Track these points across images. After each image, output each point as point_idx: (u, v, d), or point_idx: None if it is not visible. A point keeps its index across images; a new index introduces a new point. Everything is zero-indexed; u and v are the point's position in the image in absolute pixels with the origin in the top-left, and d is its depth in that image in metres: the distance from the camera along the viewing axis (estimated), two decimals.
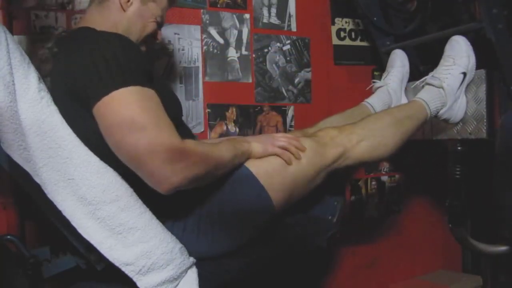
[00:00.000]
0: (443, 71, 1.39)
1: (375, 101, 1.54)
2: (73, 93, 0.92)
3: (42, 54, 1.08)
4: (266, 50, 1.73)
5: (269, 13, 1.73)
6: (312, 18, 1.81)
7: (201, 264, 1.01)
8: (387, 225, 1.98)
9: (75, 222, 0.93)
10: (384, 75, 1.65)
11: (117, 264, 0.93)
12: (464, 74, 1.39)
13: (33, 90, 0.91)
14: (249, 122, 1.69)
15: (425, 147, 1.78)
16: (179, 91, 1.58)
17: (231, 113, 1.66)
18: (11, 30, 1.30)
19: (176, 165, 0.85)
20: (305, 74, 1.80)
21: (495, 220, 1.47)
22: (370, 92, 1.62)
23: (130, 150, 0.85)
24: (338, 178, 1.24)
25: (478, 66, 1.41)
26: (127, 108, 0.85)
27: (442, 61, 1.42)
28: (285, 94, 1.76)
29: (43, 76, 0.99)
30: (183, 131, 1.12)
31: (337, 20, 1.86)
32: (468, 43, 1.39)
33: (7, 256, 1.05)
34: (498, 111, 1.41)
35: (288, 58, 1.77)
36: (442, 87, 1.36)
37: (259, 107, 1.71)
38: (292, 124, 1.76)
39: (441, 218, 1.94)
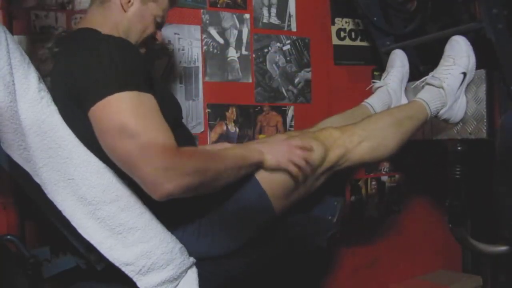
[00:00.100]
0: (443, 71, 1.39)
1: (375, 101, 1.54)
2: (72, 95, 0.92)
3: (42, 54, 1.08)
4: (266, 50, 1.73)
5: (269, 13, 1.73)
6: (312, 18, 1.81)
7: (201, 264, 1.01)
8: (387, 225, 1.98)
9: (75, 222, 0.93)
10: (384, 75, 1.65)
11: (117, 264, 0.93)
12: (464, 74, 1.39)
13: (33, 90, 0.91)
14: (249, 122, 1.69)
15: (425, 147, 1.78)
16: (179, 91, 1.58)
17: (231, 113, 1.66)
18: (11, 30, 1.30)
19: (169, 172, 0.83)
20: (305, 74, 1.80)
21: (495, 220, 1.46)
22: (370, 92, 1.62)
23: (122, 156, 0.85)
24: (338, 178, 1.24)
25: (478, 66, 1.41)
26: (120, 114, 0.85)
27: (442, 61, 1.42)
28: (285, 94, 1.76)
29: (43, 76, 0.99)
30: (183, 133, 1.12)
31: (337, 20, 1.86)
32: (468, 43, 1.39)
33: (7, 256, 1.05)
34: (498, 111, 1.41)
35: (288, 58, 1.77)
36: (442, 87, 1.36)
37: (259, 107, 1.71)
38: (292, 124, 1.76)
39: (441, 218, 1.93)
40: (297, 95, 1.78)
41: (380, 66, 1.82)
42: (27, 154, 0.91)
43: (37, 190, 0.93)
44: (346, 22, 1.88)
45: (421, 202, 2.05)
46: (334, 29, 1.86)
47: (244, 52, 1.69)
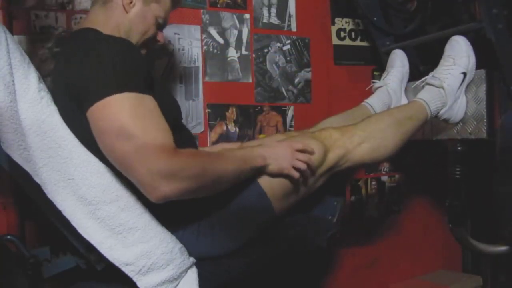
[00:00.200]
0: (443, 71, 1.39)
1: (374, 102, 1.54)
2: (71, 94, 0.92)
3: (42, 54, 1.08)
4: (266, 50, 1.73)
5: (269, 13, 1.73)
6: (312, 18, 1.81)
7: (201, 264, 1.02)
8: (387, 225, 1.98)
9: (75, 222, 0.93)
10: (384, 75, 1.65)
11: (117, 264, 0.93)
12: (464, 74, 1.39)
13: (33, 90, 0.91)
14: (249, 122, 1.69)
15: (425, 147, 1.78)
16: (179, 91, 1.58)
17: (231, 113, 1.66)
18: (11, 30, 1.30)
19: (166, 175, 0.82)
20: (305, 74, 1.80)
21: (495, 220, 1.46)
22: (370, 92, 1.62)
23: (119, 157, 0.85)
24: (338, 178, 1.24)
25: (478, 66, 1.41)
26: (118, 115, 0.84)
27: (442, 61, 1.42)
28: (285, 94, 1.76)
29: (43, 76, 0.99)
30: (183, 134, 1.12)
31: (337, 20, 1.86)
32: (468, 43, 1.39)
33: (7, 256, 1.05)
34: (498, 111, 1.41)
35: (288, 58, 1.77)
36: (442, 87, 1.36)
37: (259, 107, 1.71)
38: (292, 124, 1.76)
39: (441, 218, 1.93)
40: (297, 95, 1.78)
41: (380, 66, 1.82)
42: (27, 154, 0.91)
43: (37, 190, 0.93)
44: (346, 22, 1.88)
45: (421, 202, 2.05)
46: (334, 29, 1.86)
47: (244, 52, 1.69)
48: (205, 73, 1.63)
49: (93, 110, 0.86)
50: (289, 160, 1.03)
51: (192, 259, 1.00)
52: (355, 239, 1.89)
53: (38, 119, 0.90)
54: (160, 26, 1.16)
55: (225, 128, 1.65)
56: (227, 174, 0.94)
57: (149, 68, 1.01)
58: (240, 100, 1.68)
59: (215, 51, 1.64)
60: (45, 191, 0.93)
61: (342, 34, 1.87)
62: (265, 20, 1.73)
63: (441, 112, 1.38)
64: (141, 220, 0.95)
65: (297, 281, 1.68)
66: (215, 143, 1.61)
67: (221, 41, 1.65)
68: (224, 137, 1.63)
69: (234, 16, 1.67)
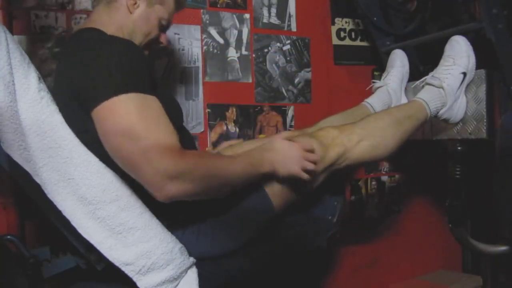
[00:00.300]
0: (443, 71, 1.39)
1: (375, 101, 1.54)
2: (74, 94, 0.92)
3: (42, 54, 1.08)
4: (266, 50, 1.73)
5: (269, 13, 1.73)
6: (312, 18, 1.81)
7: (201, 264, 1.01)
8: (387, 225, 1.98)
9: (75, 222, 0.93)
10: (384, 75, 1.65)
11: (117, 264, 0.93)
12: (464, 74, 1.39)
13: (33, 90, 0.91)
14: (249, 122, 1.69)
15: (425, 147, 1.78)
16: (179, 91, 1.58)
17: (231, 113, 1.66)
18: (11, 30, 1.30)
19: (173, 175, 0.83)
20: (305, 74, 1.80)
21: (495, 220, 1.46)
22: (370, 92, 1.62)
23: (126, 157, 0.86)
24: (338, 178, 1.24)
25: (478, 66, 1.41)
26: (125, 116, 0.85)
27: (442, 61, 1.42)
28: (285, 94, 1.76)
29: (44, 76, 0.99)
30: (184, 136, 1.12)
31: (337, 20, 1.86)
32: (468, 43, 1.39)
33: (7, 256, 1.05)
34: (498, 111, 1.41)
35: (288, 58, 1.77)
36: (442, 87, 1.36)
37: (259, 107, 1.71)
38: (292, 124, 1.76)
39: (441, 218, 1.93)
40: (297, 95, 1.78)
41: (380, 66, 1.82)
42: (27, 154, 0.91)
43: (37, 190, 0.93)
44: (346, 22, 1.88)
45: (421, 202, 2.05)
46: (334, 29, 1.86)
47: (244, 52, 1.69)
48: (205, 73, 1.63)
49: (98, 110, 0.87)
50: (297, 162, 1.02)
51: (192, 259, 1.00)
52: (355, 239, 1.89)
53: (38, 119, 0.90)
54: (163, 28, 1.17)
55: (225, 128, 1.65)
56: (234, 177, 0.94)
57: (152, 70, 1.01)
58: (240, 100, 1.68)
59: (215, 51, 1.64)
60: (45, 191, 0.93)
61: (342, 34, 1.87)
62: (265, 20, 1.73)
63: (441, 112, 1.38)
64: (141, 220, 0.95)
65: (297, 281, 1.68)
66: (215, 143, 1.61)
67: (221, 41, 1.65)
68: (224, 137, 1.63)
69: (234, 16, 1.67)
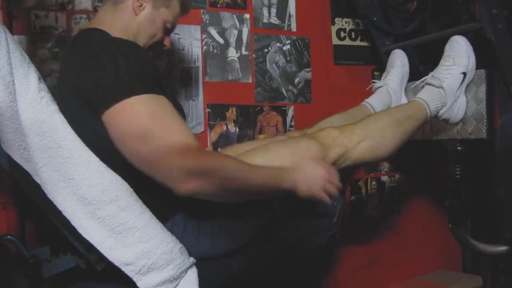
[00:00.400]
0: (443, 71, 1.39)
1: (375, 101, 1.54)
2: (82, 97, 0.93)
3: (42, 54, 1.08)
4: (266, 50, 1.73)
5: (269, 13, 1.73)
6: (312, 18, 1.81)
7: (201, 264, 1.02)
8: (387, 225, 1.98)
9: (75, 222, 0.93)
10: (384, 75, 1.65)
11: (117, 264, 0.93)
12: (464, 74, 1.39)
13: (33, 90, 0.91)
14: (249, 122, 1.69)
15: (425, 147, 1.78)
16: (179, 91, 1.58)
17: (231, 113, 1.66)
18: (11, 30, 1.30)
19: (192, 172, 0.84)
20: (305, 74, 1.80)
21: (495, 220, 1.46)
22: (370, 92, 1.62)
23: (144, 159, 0.86)
24: (338, 178, 1.24)
25: (478, 66, 1.41)
26: (139, 117, 0.86)
27: (442, 61, 1.42)
28: (285, 94, 1.76)
29: (44, 76, 0.99)
30: None
31: (337, 20, 1.86)
32: (468, 43, 1.39)
33: (7, 256, 1.04)
34: (498, 111, 1.41)
35: (288, 58, 1.77)
36: (442, 87, 1.36)
37: (259, 107, 1.71)
38: (292, 124, 1.76)
39: (441, 218, 1.93)
40: (297, 95, 1.78)
41: (380, 66, 1.82)
42: (27, 154, 0.91)
43: (37, 190, 0.93)
44: (346, 22, 1.88)
45: (421, 202, 2.05)
46: (334, 29, 1.86)
47: (244, 52, 1.69)
48: (205, 73, 1.63)
49: (110, 113, 0.87)
50: (319, 184, 1.00)
51: (192, 259, 1.00)
52: (355, 239, 1.89)
53: (38, 119, 0.90)
54: (167, 31, 1.17)
55: (225, 128, 1.65)
56: (253, 184, 0.93)
57: (157, 71, 1.02)
58: (240, 100, 1.68)
59: (215, 51, 1.64)
60: (45, 191, 0.93)
61: (342, 34, 1.87)
62: (265, 20, 1.73)
63: (441, 112, 1.38)
64: (141, 220, 0.94)
65: (297, 281, 1.68)
66: (215, 143, 1.61)
67: (221, 41, 1.65)
68: (224, 137, 1.63)
69: (234, 16, 1.67)
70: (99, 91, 0.89)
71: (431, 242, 2.06)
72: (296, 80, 1.78)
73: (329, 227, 1.21)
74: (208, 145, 1.61)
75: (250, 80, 1.70)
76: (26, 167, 0.93)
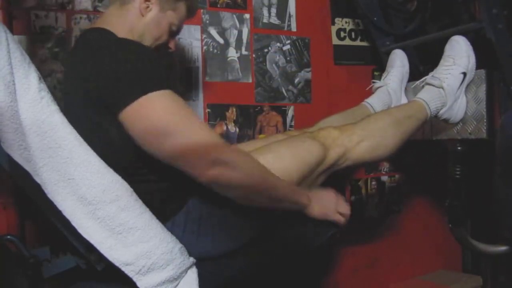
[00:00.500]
0: (443, 71, 1.39)
1: (375, 101, 1.54)
2: (94, 97, 0.93)
3: (42, 54, 1.09)
4: (266, 50, 1.73)
5: (269, 13, 1.73)
6: (312, 18, 1.81)
7: (201, 264, 1.01)
8: (387, 225, 1.98)
9: (75, 222, 0.93)
10: (384, 75, 1.65)
11: (117, 264, 0.93)
12: (464, 74, 1.39)
13: (33, 90, 0.91)
14: (249, 122, 1.69)
15: (425, 147, 1.78)
16: (179, 91, 1.58)
17: (231, 113, 1.66)
18: (11, 30, 1.30)
19: (219, 161, 0.89)
20: (305, 74, 1.80)
21: (495, 220, 1.46)
22: (370, 92, 1.62)
23: (170, 153, 0.89)
24: (338, 178, 1.24)
25: (478, 66, 1.41)
26: (161, 111, 0.88)
27: (442, 61, 1.42)
28: (285, 94, 1.76)
29: (44, 76, 0.99)
30: None
31: (337, 20, 1.86)
32: (468, 43, 1.39)
33: (7, 256, 1.04)
34: (498, 111, 1.41)
35: (288, 58, 1.77)
36: (442, 87, 1.36)
37: (259, 107, 1.71)
38: (292, 124, 1.76)
39: (441, 218, 1.93)
40: (297, 95, 1.78)
41: (380, 66, 1.82)
42: (28, 154, 0.91)
43: (37, 190, 0.93)
44: (346, 22, 1.88)
45: (421, 202, 2.05)
46: (334, 29, 1.86)
47: (244, 52, 1.69)
48: (205, 73, 1.63)
49: (128, 111, 0.88)
50: (333, 206, 1.09)
51: (192, 259, 1.00)
52: (355, 239, 1.89)
53: (38, 119, 0.90)
54: (172, 34, 1.18)
55: (225, 128, 1.65)
56: (274, 187, 0.98)
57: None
58: (240, 100, 1.68)
59: (215, 51, 1.64)
60: (45, 191, 0.93)
61: (342, 34, 1.87)
62: (265, 20, 1.73)
63: (441, 112, 1.38)
64: (141, 220, 0.94)
65: (297, 281, 1.68)
66: None
67: (221, 41, 1.65)
68: (224, 137, 1.63)
69: (234, 16, 1.67)
70: (116, 90, 0.90)
71: (431, 242, 2.06)
72: (296, 80, 1.78)
73: (329, 227, 1.21)
74: None
75: (250, 80, 1.70)
76: (27, 167, 0.92)
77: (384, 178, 1.95)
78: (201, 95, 1.61)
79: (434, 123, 1.52)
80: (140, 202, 0.96)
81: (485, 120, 1.39)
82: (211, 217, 1.02)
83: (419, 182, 2.01)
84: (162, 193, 1.01)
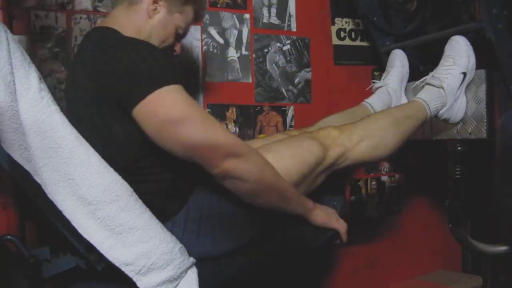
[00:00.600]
0: (443, 71, 1.39)
1: (375, 101, 1.54)
2: (105, 95, 0.94)
3: (42, 54, 1.09)
4: (266, 50, 1.73)
5: (269, 13, 1.73)
6: (312, 18, 1.81)
7: (201, 264, 1.02)
8: (387, 225, 1.98)
9: (75, 222, 0.93)
10: (384, 75, 1.65)
11: (117, 264, 0.93)
12: (464, 74, 1.39)
13: (33, 90, 0.91)
14: (249, 122, 1.69)
15: (425, 147, 1.78)
16: None
17: (231, 113, 1.66)
18: (11, 30, 1.29)
19: (235, 153, 0.92)
20: (305, 74, 1.80)
21: (495, 220, 1.46)
22: (370, 92, 1.62)
23: (187, 144, 0.91)
24: (338, 178, 1.24)
25: (478, 66, 1.41)
26: (177, 104, 0.90)
27: (442, 61, 1.42)
28: (285, 94, 1.76)
29: (44, 76, 0.99)
30: None
31: (337, 20, 1.86)
32: (468, 43, 1.39)
33: (7, 256, 1.04)
34: (498, 111, 1.41)
35: (288, 58, 1.77)
36: (442, 87, 1.36)
37: (259, 107, 1.71)
38: (292, 124, 1.76)
39: (441, 218, 1.93)
40: (297, 95, 1.78)
41: (380, 66, 1.82)
42: (28, 154, 0.91)
43: (37, 190, 0.93)
44: (346, 22, 1.88)
45: (421, 202, 2.05)
46: (334, 29, 1.86)
47: (244, 52, 1.69)
48: (205, 73, 1.63)
49: (143, 106, 0.89)
50: (335, 214, 1.13)
51: (192, 259, 1.00)
52: (355, 239, 1.89)
53: (38, 119, 0.90)
54: (178, 37, 1.18)
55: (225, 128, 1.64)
56: (284, 187, 1.00)
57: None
58: (240, 100, 1.68)
59: (215, 51, 1.64)
60: (45, 191, 0.93)
61: (342, 34, 1.87)
62: (265, 20, 1.73)
63: (441, 112, 1.38)
64: (141, 220, 0.95)
65: (297, 281, 1.68)
66: None
67: (221, 41, 1.65)
68: None
69: (234, 16, 1.67)
70: (129, 85, 0.90)
71: (431, 242, 2.06)
72: (296, 80, 1.78)
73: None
74: None
75: (250, 80, 1.70)
76: (27, 166, 0.92)
77: (384, 178, 1.95)
78: (201, 95, 1.61)
79: (434, 123, 1.52)
80: (140, 202, 0.96)
81: (485, 120, 1.39)
82: (211, 217, 1.02)
83: (419, 182, 2.01)
84: (162, 193, 1.01)
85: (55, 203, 0.93)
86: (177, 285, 0.97)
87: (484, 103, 1.39)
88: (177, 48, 1.20)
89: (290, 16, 1.77)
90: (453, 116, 1.42)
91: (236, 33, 1.68)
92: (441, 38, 1.48)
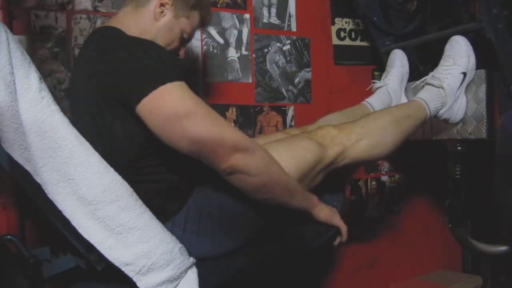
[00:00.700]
0: (443, 71, 1.39)
1: (375, 101, 1.54)
2: (108, 92, 0.94)
3: (43, 54, 1.09)
4: (266, 50, 1.73)
5: (269, 13, 1.73)
6: (312, 18, 1.81)
7: (201, 264, 1.02)
8: (387, 225, 1.98)
9: (75, 222, 0.93)
10: (384, 75, 1.65)
11: (117, 264, 0.93)
12: (464, 74, 1.39)
13: (34, 90, 0.91)
14: (249, 122, 1.69)
15: (425, 147, 1.78)
16: None
17: (231, 113, 1.66)
18: (11, 30, 1.29)
19: (241, 147, 0.92)
20: (305, 74, 1.80)
21: (495, 220, 1.46)
22: (370, 92, 1.62)
23: (193, 138, 0.90)
24: (338, 177, 1.24)
25: (478, 66, 1.41)
26: (182, 99, 0.90)
27: (442, 61, 1.42)
28: (285, 94, 1.76)
29: (44, 76, 0.99)
30: None
31: (337, 20, 1.86)
32: (468, 43, 1.39)
33: (7, 256, 1.04)
34: (498, 111, 1.41)
35: (288, 58, 1.77)
36: (442, 87, 1.36)
37: (259, 107, 1.71)
38: (292, 124, 1.76)
39: (441, 218, 1.93)
40: (297, 95, 1.78)
41: (380, 66, 1.82)
42: (28, 154, 0.91)
43: (37, 190, 0.93)
44: (346, 22, 1.88)
45: (421, 202, 2.05)
46: (334, 29, 1.86)
47: (244, 52, 1.69)
48: (205, 73, 1.62)
49: (147, 102, 0.89)
50: (337, 213, 1.14)
51: (192, 259, 1.00)
52: (355, 239, 1.89)
53: (38, 119, 0.90)
54: (183, 41, 1.18)
55: None
56: (289, 183, 1.00)
57: None
58: (240, 100, 1.68)
59: (215, 51, 1.64)
60: (45, 191, 0.93)
61: (342, 34, 1.87)
62: (265, 20, 1.73)
63: (441, 112, 1.38)
64: (141, 220, 0.95)
65: (297, 281, 1.68)
66: None
67: (221, 41, 1.65)
68: None
69: (234, 16, 1.67)
70: (133, 82, 0.90)
71: (431, 242, 2.06)
72: (296, 80, 1.78)
73: (329, 227, 1.21)
74: None
75: (250, 80, 1.70)
76: (27, 166, 0.93)
77: (384, 178, 1.95)
78: (201, 95, 1.61)
79: (434, 123, 1.52)
80: (140, 202, 0.96)
81: (485, 120, 1.39)
82: (211, 217, 1.02)
83: (419, 182, 2.01)
84: (162, 193, 1.01)
85: (55, 203, 0.93)
86: (177, 285, 0.97)
87: (484, 103, 1.39)
88: (181, 52, 1.21)
89: (290, 16, 1.77)
90: (453, 116, 1.42)
91: (236, 33, 1.68)
92: (441, 38, 1.48)
